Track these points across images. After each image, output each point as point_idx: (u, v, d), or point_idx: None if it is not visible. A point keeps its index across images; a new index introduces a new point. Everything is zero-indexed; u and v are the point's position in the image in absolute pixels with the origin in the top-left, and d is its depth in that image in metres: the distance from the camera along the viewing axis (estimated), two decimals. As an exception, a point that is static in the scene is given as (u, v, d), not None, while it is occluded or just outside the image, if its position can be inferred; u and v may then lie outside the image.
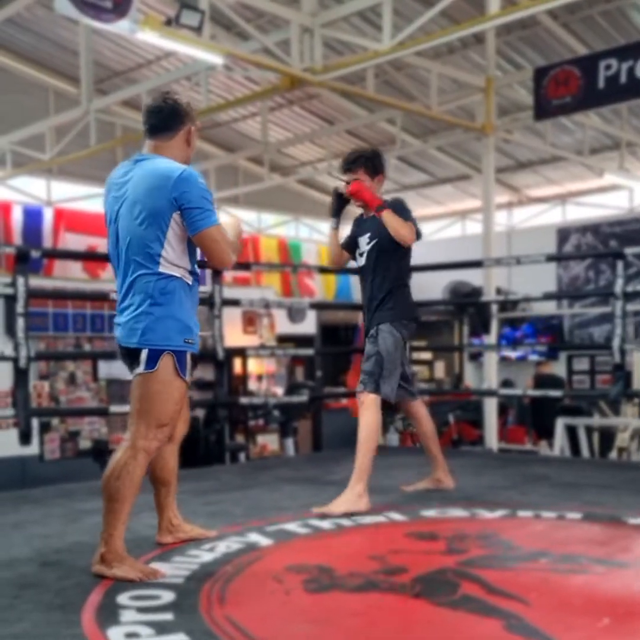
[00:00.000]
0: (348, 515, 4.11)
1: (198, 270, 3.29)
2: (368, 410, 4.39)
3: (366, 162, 4.61)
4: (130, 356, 3.17)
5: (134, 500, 3.13)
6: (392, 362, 4.47)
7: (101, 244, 10.13)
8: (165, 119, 3.26)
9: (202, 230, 3.09)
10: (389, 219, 4.43)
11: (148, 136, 3.30)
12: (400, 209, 4.49)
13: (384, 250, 4.56)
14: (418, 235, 4.51)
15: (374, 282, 4.61)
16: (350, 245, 4.81)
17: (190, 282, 3.21)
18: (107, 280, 10.37)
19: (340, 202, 4.76)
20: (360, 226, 4.76)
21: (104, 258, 5.29)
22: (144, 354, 3.10)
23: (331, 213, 4.80)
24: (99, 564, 3.06)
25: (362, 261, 4.72)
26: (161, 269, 3.11)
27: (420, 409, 4.85)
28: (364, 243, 4.67)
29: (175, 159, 3.24)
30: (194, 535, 3.63)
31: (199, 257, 3.31)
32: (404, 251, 4.59)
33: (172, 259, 3.12)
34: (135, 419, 3.14)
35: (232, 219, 3.55)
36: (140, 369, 3.12)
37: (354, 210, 4.87)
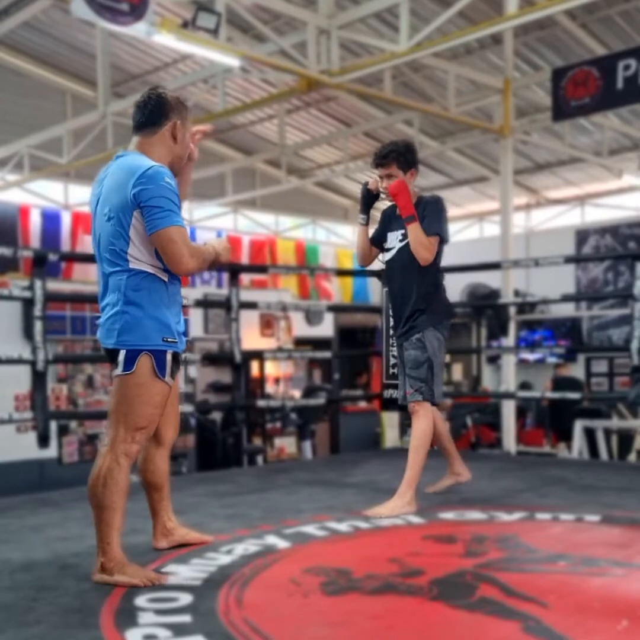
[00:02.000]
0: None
1: None
2: (424, 418, 4.38)
3: (399, 156, 4.45)
4: (111, 357, 3.08)
5: (125, 505, 3.05)
6: (439, 365, 4.45)
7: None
8: (150, 113, 3.16)
9: (158, 230, 2.94)
10: (414, 234, 4.36)
11: (134, 132, 3.21)
12: (432, 212, 4.42)
13: None
14: (444, 240, 4.45)
15: (410, 280, 4.47)
16: (379, 240, 4.69)
17: (165, 279, 3.08)
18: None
19: (369, 198, 4.66)
20: (390, 220, 4.63)
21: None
22: (121, 355, 3.01)
23: (360, 209, 4.71)
24: (100, 573, 3.00)
25: (388, 256, 4.60)
26: (131, 266, 3.02)
27: (435, 411, 4.71)
28: (395, 239, 4.55)
29: (161, 155, 3.14)
30: (190, 539, 3.55)
31: None
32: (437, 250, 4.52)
33: (139, 256, 3.02)
34: (114, 422, 3.05)
35: (223, 239, 3.39)
36: (118, 370, 3.03)
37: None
